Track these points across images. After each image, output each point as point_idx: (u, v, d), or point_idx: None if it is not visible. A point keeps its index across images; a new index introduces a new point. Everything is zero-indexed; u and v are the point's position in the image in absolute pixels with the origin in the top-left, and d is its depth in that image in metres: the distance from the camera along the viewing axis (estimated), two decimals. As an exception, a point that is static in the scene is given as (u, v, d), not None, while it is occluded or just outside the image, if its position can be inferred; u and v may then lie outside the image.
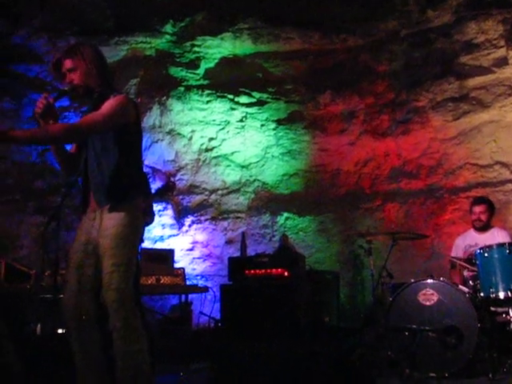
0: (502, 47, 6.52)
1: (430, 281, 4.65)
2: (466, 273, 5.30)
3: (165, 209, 7.27)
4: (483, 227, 5.54)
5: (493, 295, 4.35)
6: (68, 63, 3.12)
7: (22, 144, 2.90)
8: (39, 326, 4.96)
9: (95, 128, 2.99)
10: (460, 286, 4.75)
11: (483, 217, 5.55)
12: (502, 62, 6.59)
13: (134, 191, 3.12)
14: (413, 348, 4.38)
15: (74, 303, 3.01)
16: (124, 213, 3.02)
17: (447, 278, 5.00)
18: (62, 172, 3.34)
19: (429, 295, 4.58)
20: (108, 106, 3.02)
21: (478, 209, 5.60)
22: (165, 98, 7.17)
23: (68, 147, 3.34)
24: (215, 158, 7.42)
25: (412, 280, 4.74)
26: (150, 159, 7.24)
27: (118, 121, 3.04)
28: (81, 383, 3.02)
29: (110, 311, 2.88)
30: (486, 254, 4.48)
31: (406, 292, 4.69)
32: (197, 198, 7.38)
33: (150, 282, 5.36)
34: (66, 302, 3.03)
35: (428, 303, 4.57)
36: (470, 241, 5.56)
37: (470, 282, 4.75)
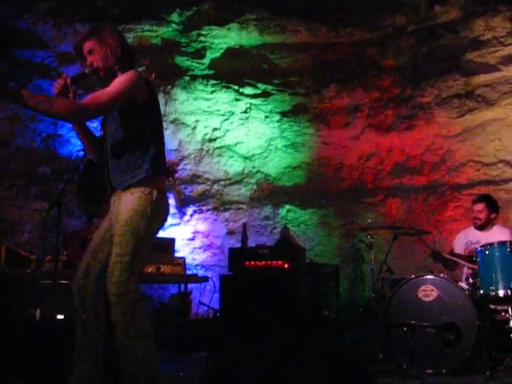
0: (509, 45, 6.50)
1: (430, 277, 4.63)
2: (465, 270, 5.31)
3: (167, 198, 7.27)
4: (482, 226, 5.51)
5: (492, 293, 4.33)
6: (87, 45, 3.05)
7: (26, 107, 2.77)
8: (38, 310, 4.97)
9: (101, 108, 2.88)
10: (460, 283, 4.75)
11: (481, 215, 5.49)
12: (508, 60, 6.57)
13: (149, 172, 2.98)
14: (411, 344, 4.39)
15: (80, 285, 3.02)
16: (137, 196, 2.93)
17: (446, 274, 5.00)
18: (91, 156, 3.30)
19: (429, 291, 4.57)
20: (116, 83, 2.91)
21: (476, 207, 5.56)
22: (170, 87, 7.17)
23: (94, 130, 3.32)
24: (218, 148, 7.41)
25: (412, 275, 4.73)
26: (153, 148, 7.23)
27: (126, 99, 2.92)
28: (76, 365, 3.00)
29: (111, 302, 2.84)
30: (486, 252, 4.46)
31: (406, 287, 4.68)
32: (199, 188, 7.37)
33: (149, 270, 5.36)
34: (73, 283, 3.05)
35: (427, 299, 4.57)
36: (471, 237, 5.54)
37: (470, 280, 4.75)
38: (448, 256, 5.33)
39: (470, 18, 6.60)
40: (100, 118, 3.21)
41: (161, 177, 3.10)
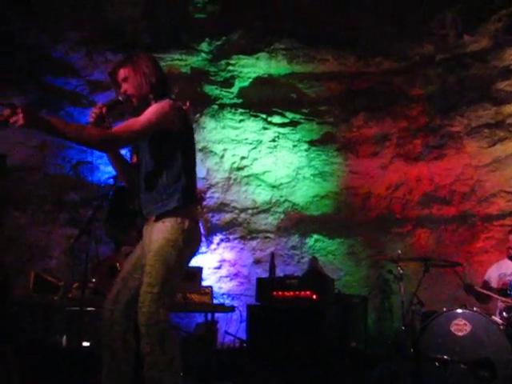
0: (539, 74, 6.44)
1: (462, 310, 4.54)
2: (499, 303, 5.19)
3: (194, 226, 7.26)
4: None
5: (528, 328, 4.24)
6: (121, 73, 3.06)
7: (58, 136, 2.73)
8: (65, 337, 4.98)
9: (133, 137, 2.89)
10: (493, 317, 4.63)
11: None
12: (538, 90, 6.51)
13: (180, 202, 2.95)
14: (443, 380, 4.27)
15: (109, 310, 2.99)
16: (169, 225, 2.90)
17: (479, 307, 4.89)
18: (122, 183, 3.31)
19: (461, 325, 4.48)
20: (149, 112, 2.90)
21: (511, 237, 5.50)
22: (198, 115, 7.21)
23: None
24: (246, 176, 7.41)
25: (444, 309, 4.64)
26: (181, 176, 7.25)
27: (158, 129, 2.91)
28: None
29: (141, 333, 2.80)
30: (521, 285, 4.38)
31: (438, 321, 4.59)
32: (226, 217, 7.36)
33: (177, 299, 5.33)
34: (103, 309, 3.02)
35: (460, 333, 4.47)
36: (505, 269, 5.44)
37: (504, 314, 4.64)
38: (481, 290, 5.21)
39: (501, 48, 6.57)
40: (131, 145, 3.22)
41: (193, 206, 3.08)
